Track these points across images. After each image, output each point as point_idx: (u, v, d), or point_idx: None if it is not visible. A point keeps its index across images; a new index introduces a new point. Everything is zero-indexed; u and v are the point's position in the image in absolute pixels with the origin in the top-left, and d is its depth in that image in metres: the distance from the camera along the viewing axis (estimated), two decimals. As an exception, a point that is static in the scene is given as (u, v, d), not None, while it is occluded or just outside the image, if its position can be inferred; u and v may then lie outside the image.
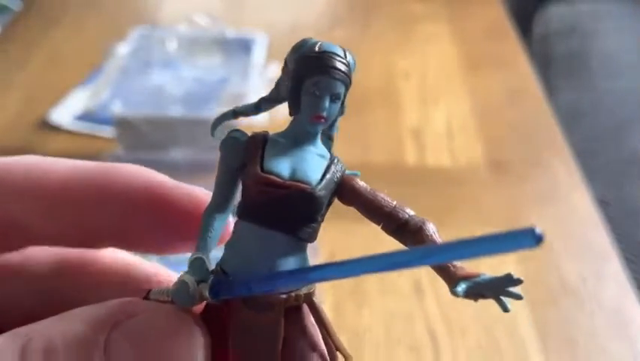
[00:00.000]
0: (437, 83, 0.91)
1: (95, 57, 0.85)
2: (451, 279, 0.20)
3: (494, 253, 0.16)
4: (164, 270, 0.26)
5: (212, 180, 0.23)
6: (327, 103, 0.20)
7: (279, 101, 0.22)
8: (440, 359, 0.52)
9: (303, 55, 0.20)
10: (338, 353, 0.21)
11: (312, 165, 0.21)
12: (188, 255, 0.21)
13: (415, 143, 0.78)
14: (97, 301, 0.22)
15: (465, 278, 0.19)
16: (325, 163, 0.21)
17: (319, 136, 0.22)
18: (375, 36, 1.02)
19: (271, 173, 0.20)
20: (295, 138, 0.21)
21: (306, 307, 0.21)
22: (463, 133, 0.80)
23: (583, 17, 1.25)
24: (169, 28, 0.87)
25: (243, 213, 0.21)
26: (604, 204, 0.73)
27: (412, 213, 0.21)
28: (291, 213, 0.20)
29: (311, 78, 0.20)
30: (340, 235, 0.63)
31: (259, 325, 0.20)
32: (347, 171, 0.22)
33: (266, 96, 0.22)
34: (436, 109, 0.85)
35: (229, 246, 0.21)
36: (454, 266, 0.20)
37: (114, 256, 0.26)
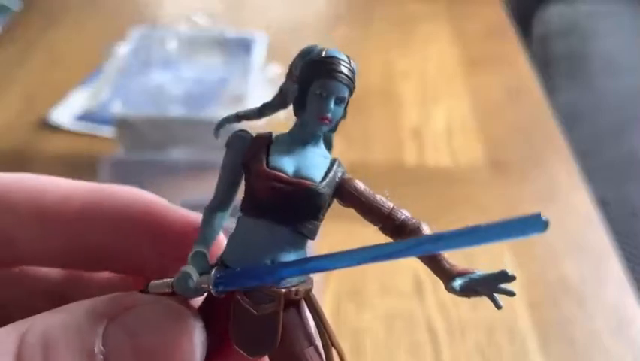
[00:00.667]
0: (437, 83, 0.91)
1: (95, 57, 0.85)
2: (447, 276, 0.20)
3: (504, 239, 0.16)
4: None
5: (212, 180, 0.23)
6: (332, 105, 0.21)
7: (282, 107, 0.23)
8: (440, 359, 0.52)
9: (311, 60, 0.21)
10: (333, 349, 0.22)
11: (316, 164, 0.22)
12: None
13: (415, 143, 0.78)
14: (119, 247, 0.23)
15: (460, 275, 0.20)
16: (327, 163, 0.22)
17: (321, 137, 0.22)
18: (375, 36, 1.02)
19: (276, 169, 0.21)
20: (299, 139, 0.22)
21: (303, 303, 0.22)
22: (463, 133, 0.80)
23: (583, 17, 1.25)
24: (169, 28, 0.87)
25: (247, 209, 0.21)
26: (604, 204, 0.73)
27: (408, 215, 0.21)
28: (296, 208, 0.21)
29: (318, 81, 0.21)
30: (340, 235, 0.63)
31: (259, 317, 0.21)
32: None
33: (269, 102, 0.23)
34: (436, 109, 0.85)
35: (232, 240, 0.22)
36: (449, 264, 0.20)
37: (138, 197, 0.25)
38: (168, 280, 0.21)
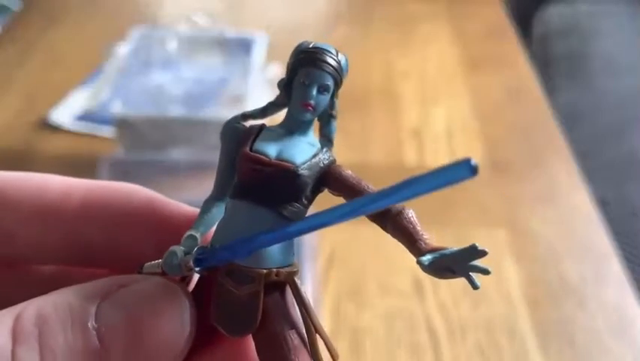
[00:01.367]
0: (437, 83, 0.91)
1: (95, 57, 0.85)
2: (420, 252, 0.20)
3: (436, 187, 0.16)
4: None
5: (211, 179, 0.23)
6: (314, 92, 0.22)
7: (285, 106, 0.23)
8: (440, 359, 0.52)
9: (298, 51, 0.22)
10: (317, 335, 0.22)
11: (300, 149, 0.22)
12: None
13: (414, 143, 0.78)
14: (119, 242, 0.23)
15: (432, 251, 0.20)
16: (314, 150, 0.22)
17: (311, 127, 0.23)
18: (375, 36, 1.02)
19: (259, 152, 0.22)
20: (288, 128, 0.23)
21: (287, 288, 0.22)
22: (462, 133, 0.80)
23: (583, 17, 1.25)
24: (169, 28, 0.87)
25: (233, 192, 0.22)
26: (604, 204, 0.73)
27: None
28: (275, 190, 0.22)
29: (302, 70, 0.22)
30: (340, 235, 0.63)
31: (240, 297, 0.21)
32: None
33: (272, 100, 0.23)
34: (436, 109, 0.85)
35: (220, 223, 0.23)
36: (424, 242, 0.20)
37: (137, 193, 0.26)
38: (159, 261, 0.22)
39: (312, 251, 0.60)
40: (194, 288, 0.23)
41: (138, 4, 1.14)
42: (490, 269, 0.19)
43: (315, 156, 0.22)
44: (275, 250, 0.22)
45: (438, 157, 0.76)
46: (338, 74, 0.22)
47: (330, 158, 0.23)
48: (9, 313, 0.19)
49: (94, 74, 0.85)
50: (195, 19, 0.88)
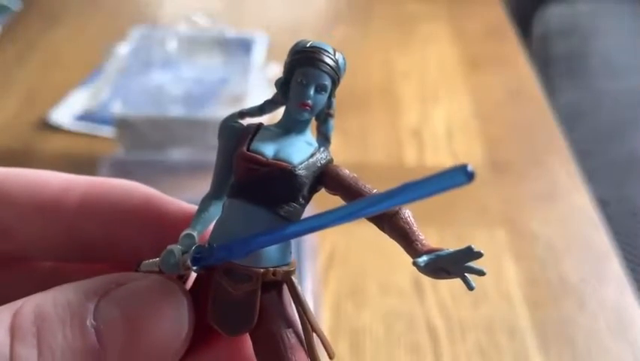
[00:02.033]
0: (437, 83, 0.91)
1: (95, 57, 0.85)
2: (416, 252, 0.20)
3: (433, 193, 0.17)
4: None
5: (211, 179, 0.23)
6: (312, 92, 0.22)
7: (283, 104, 0.23)
8: (440, 359, 0.52)
9: (295, 50, 0.22)
10: (314, 334, 0.22)
11: (297, 148, 0.22)
12: None
13: (414, 143, 0.78)
14: (118, 239, 0.23)
15: (428, 252, 0.20)
16: (311, 150, 0.22)
17: (309, 127, 0.23)
18: (375, 36, 1.02)
19: (256, 152, 0.22)
20: (285, 127, 0.23)
21: (285, 287, 0.22)
22: (462, 133, 0.80)
23: (583, 17, 1.25)
24: (169, 28, 0.87)
25: (230, 191, 0.22)
26: (604, 204, 0.73)
27: None
28: (272, 190, 0.22)
29: (299, 69, 0.22)
30: (340, 235, 0.63)
31: (237, 296, 0.21)
32: None
33: (270, 99, 0.23)
34: (436, 109, 0.85)
35: (217, 222, 0.23)
36: (421, 243, 0.20)
37: (136, 189, 0.26)
38: (157, 259, 0.22)
39: (312, 251, 0.60)
40: (192, 286, 0.23)
41: (138, 4, 1.14)
42: (485, 270, 0.19)
43: (312, 155, 0.22)
44: (272, 250, 0.22)
45: (438, 157, 0.76)
46: (335, 74, 0.22)
47: (328, 157, 0.23)
48: (7, 310, 0.19)
49: (94, 74, 0.85)
50: (195, 19, 0.88)
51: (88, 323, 0.19)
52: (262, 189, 0.21)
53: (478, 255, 0.19)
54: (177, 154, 0.70)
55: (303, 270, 0.56)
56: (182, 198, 0.25)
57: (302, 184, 0.22)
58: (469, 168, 0.16)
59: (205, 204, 0.23)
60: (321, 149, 0.23)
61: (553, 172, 0.74)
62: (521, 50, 0.98)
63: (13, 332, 0.19)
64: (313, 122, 0.23)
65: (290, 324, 0.22)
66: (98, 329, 0.20)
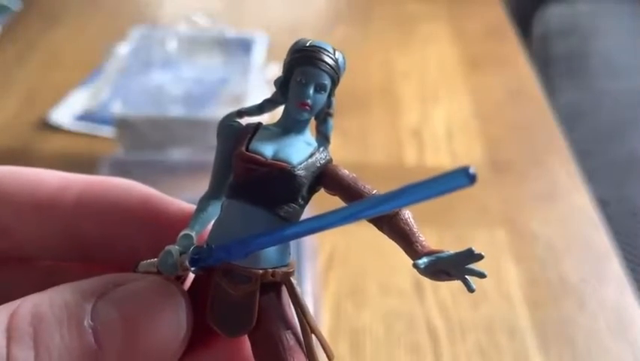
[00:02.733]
0: (437, 83, 0.91)
1: (95, 57, 0.85)
2: (416, 254, 0.20)
3: (434, 195, 0.16)
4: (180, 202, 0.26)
5: None
6: (311, 91, 0.22)
7: (282, 103, 0.23)
8: (440, 359, 0.52)
9: (295, 49, 0.22)
10: (313, 335, 0.22)
11: (296, 149, 0.22)
12: None
13: (414, 143, 0.78)
14: (115, 238, 0.23)
15: (428, 254, 0.20)
16: (310, 150, 0.22)
17: (308, 126, 0.23)
18: (375, 36, 1.02)
19: (255, 152, 0.22)
20: (284, 127, 0.23)
21: (283, 288, 0.22)
22: (462, 133, 0.80)
23: (583, 17, 1.25)
24: (169, 28, 0.87)
25: (229, 191, 0.22)
26: (604, 204, 0.73)
27: None
28: (271, 190, 0.21)
29: (299, 68, 0.22)
30: (340, 235, 0.63)
31: (236, 297, 0.21)
32: None
33: (269, 98, 0.23)
34: (436, 109, 0.85)
35: (215, 223, 0.22)
36: (421, 245, 0.20)
37: (134, 189, 0.26)
38: (155, 260, 0.22)
39: (312, 251, 0.60)
40: (190, 287, 0.23)
41: (138, 4, 1.14)
42: (485, 273, 0.19)
43: (311, 155, 0.22)
44: (271, 251, 0.21)
45: (438, 157, 0.76)
46: (335, 73, 0.22)
47: (327, 157, 0.22)
48: (4, 311, 0.19)
49: (94, 74, 0.85)
50: (195, 19, 0.88)
51: (85, 323, 0.19)
52: (261, 190, 0.21)
53: (479, 257, 0.19)
54: (177, 154, 0.70)
55: (302, 270, 0.56)
56: (182, 198, 0.25)
57: (301, 184, 0.22)
58: (472, 170, 0.15)
59: (203, 204, 0.23)
60: (321, 149, 0.22)
61: (553, 172, 0.74)
62: (521, 50, 0.98)
63: (10, 333, 0.19)
64: (313, 122, 0.23)
65: (289, 325, 0.22)
66: (95, 329, 0.19)
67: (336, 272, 0.60)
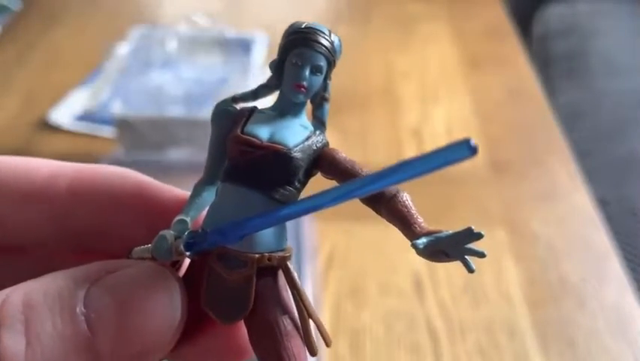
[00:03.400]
0: (437, 83, 0.91)
1: (95, 57, 0.85)
2: (414, 235, 0.20)
3: (435, 168, 0.16)
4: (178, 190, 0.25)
5: None
6: (307, 73, 0.21)
7: (277, 88, 0.23)
8: (440, 359, 0.52)
9: (290, 31, 0.22)
10: (311, 321, 0.22)
11: (292, 131, 0.22)
12: None
13: (414, 142, 0.78)
14: (109, 226, 0.23)
15: (427, 234, 0.20)
16: (307, 133, 0.22)
17: (304, 109, 0.23)
18: (375, 36, 1.02)
19: (250, 135, 0.21)
20: (280, 110, 0.22)
21: (280, 273, 0.22)
22: (462, 133, 0.80)
23: (582, 17, 1.25)
24: (169, 28, 0.87)
25: (224, 175, 0.22)
26: (604, 204, 0.73)
27: None
28: (267, 173, 0.21)
29: (294, 50, 0.21)
30: (340, 235, 0.63)
31: (231, 282, 0.21)
32: None
33: (264, 83, 0.23)
34: (436, 109, 0.85)
35: (211, 207, 0.22)
36: (419, 226, 0.20)
37: (127, 176, 0.25)
38: (149, 246, 0.22)
39: (312, 251, 0.60)
40: (185, 273, 0.23)
41: (138, 4, 1.14)
42: (485, 252, 0.19)
43: (308, 138, 0.22)
44: (267, 235, 0.21)
45: (438, 157, 0.76)
46: (331, 55, 0.22)
47: (324, 140, 0.22)
48: None
49: (94, 74, 0.85)
50: (195, 19, 0.88)
51: (78, 310, 0.19)
52: (257, 173, 0.21)
53: (479, 236, 0.19)
54: (177, 154, 0.70)
55: (303, 270, 0.56)
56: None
57: (297, 167, 0.21)
58: (472, 142, 0.15)
59: (198, 189, 0.23)
60: (317, 132, 0.22)
61: (553, 172, 0.74)
62: (521, 50, 0.98)
63: (1, 320, 0.18)
64: (310, 110, 0.23)
65: (286, 310, 0.21)
66: (88, 316, 0.19)
67: (336, 272, 0.60)
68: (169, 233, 0.21)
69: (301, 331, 0.21)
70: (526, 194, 0.71)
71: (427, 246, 0.19)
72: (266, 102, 0.23)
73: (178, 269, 0.22)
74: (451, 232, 0.19)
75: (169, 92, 0.74)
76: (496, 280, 0.59)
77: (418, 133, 0.80)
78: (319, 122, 0.23)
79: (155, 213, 0.24)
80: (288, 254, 0.22)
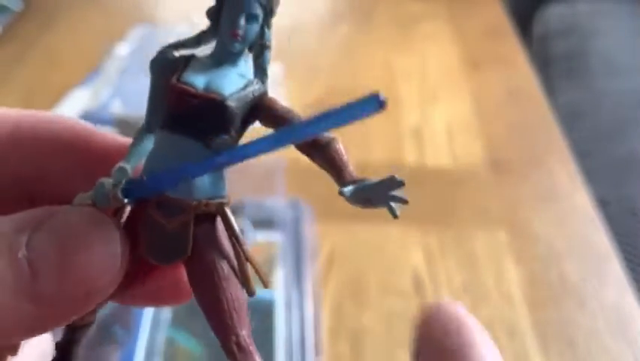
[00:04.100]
0: (437, 83, 0.91)
1: (94, 57, 0.85)
2: (344, 183, 0.21)
3: (346, 122, 0.17)
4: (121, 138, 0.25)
5: None
6: (242, 21, 0.22)
7: (215, 34, 0.23)
8: (440, 359, 0.52)
9: None
10: (248, 264, 0.22)
11: (229, 80, 0.22)
12: None
13: (414, 143, 0.78)
14: (50, 172, 0.23)
15: (354, 182, 0.20)
16: (244, 81, 0.22)
17: (242, 58, 0.23)
18: (375, 36, 1.02)
19: (186, 84, 0.21)
20: (217, 58, 0.22)
21: (218, 219, 0.22)
22: (463, 133, 0.80)
23: (582, 17, 1.25)
24: (169, 28, 0.87)
25: (162, 123, 0.22)
26: (604, 204, 0.73)
27: None
28: (202, 121, 0.21)
29: None
30: (340, 235, 0.63)
31: (170, 227, 0.22)
32: None
33: (204, 29, 0.23)
34: (436, 109, 0.85)
35: (149, 155, 0.22)
36: (349, 174, 0.21)
37: (69, 122, 0.25)
38: (91, 192, 0.22)
39: (312, 251, 0.60)
40: (126, 221, 0.23)
41: (138, 4, 1.14)
42: (407, 198, 0.20)
43: (245, 87, 0.22)
44: (205, 181, 0.22)
45: (438, 156, 0.76)
46: (267, 2, 0.22)
47: (262, 89, 0.22)
48: None
49: (94, 74, 0.85)
50: (195, 19, 0.88)
51: (20, 254, 0.19)
52: (193, 121, 0.21)
53: (401, 183, 0.19)
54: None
55: (303, 270, 0.56)
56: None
57: (233, 116, 0.21)
58: (382, 96, 0.16)
59: (138, 137, 0.23)
60: (255, 80, 0.22)
61: (553, 172, 0.74)
62: (521, 50, 0.98)
63: None
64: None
65: (224, 255, 0.22)
66: (30, 260, 0.19)
67: (336, 272, 0.60)
68: (107, 180, 0.21)
69: (239, 274, 0.22)
70: (526, 194, 0.71)
71: (353, 193, 0.20)
72: (207, 50, 0.23)
73: (120, 217, 0.23)
74: (375, 180, 0.20)
75: (169, 92, 0.74)
76: (496, 280, 0.59)
77: (418, 133, 0.80)
78: (260, 70, 0.23)
79: (97, 160, 0.24)
80: (225, 200, 0.22)
